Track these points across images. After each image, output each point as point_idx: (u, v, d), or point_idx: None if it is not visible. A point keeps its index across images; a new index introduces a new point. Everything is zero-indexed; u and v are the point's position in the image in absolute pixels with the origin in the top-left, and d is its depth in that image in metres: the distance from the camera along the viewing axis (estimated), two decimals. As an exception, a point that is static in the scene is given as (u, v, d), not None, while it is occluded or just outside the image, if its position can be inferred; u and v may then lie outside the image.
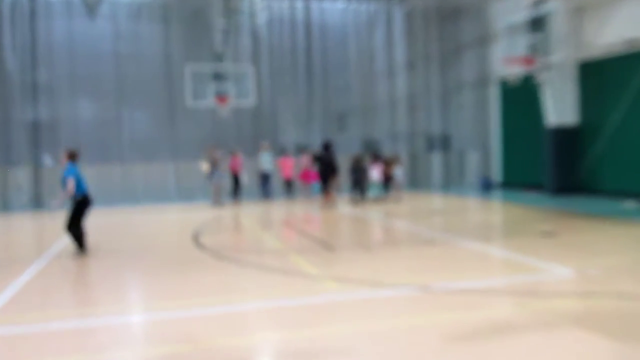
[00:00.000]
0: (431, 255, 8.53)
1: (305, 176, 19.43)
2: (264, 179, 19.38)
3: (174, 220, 14.77)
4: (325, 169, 16.98)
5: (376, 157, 19.22)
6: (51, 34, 20.17)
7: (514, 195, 18.44)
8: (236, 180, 19.33)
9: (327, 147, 17.20)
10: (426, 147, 23.55)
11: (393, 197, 18.52)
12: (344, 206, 16.87)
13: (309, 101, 22.64)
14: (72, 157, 9.40)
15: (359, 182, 18.06)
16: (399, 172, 19.07)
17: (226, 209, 17.08)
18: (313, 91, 22.70)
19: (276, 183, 20.68)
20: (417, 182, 23.30)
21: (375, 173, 18.74)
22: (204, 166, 18.57)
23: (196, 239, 10.93)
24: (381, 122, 23.46)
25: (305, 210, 16.36)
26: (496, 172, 22.03)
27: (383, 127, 23.44)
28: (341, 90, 23.00)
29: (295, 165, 20.17)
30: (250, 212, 16.38)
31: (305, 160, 19.51)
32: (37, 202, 19.70)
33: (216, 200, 18.10)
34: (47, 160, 19.60)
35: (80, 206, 9.23)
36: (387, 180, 18.81)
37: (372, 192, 18.91)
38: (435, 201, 18.29)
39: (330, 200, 16.96)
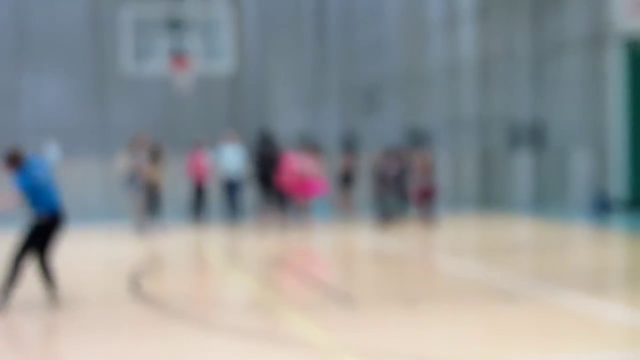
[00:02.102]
0: (511, 317, 8.55)
1: (302, 187, 19.53)
2: (230, 188, 19.48)
3: (100, 254, 14.92)
4: (267, 172, 17.63)
5: (396, 152, 19.64)
6: None
7: (647, 222, 18.46)
8: (199, 190, 19.50)
9: (266, 140, 17.86)
10: (507, 143, 23.47)
11: (427, 219, 18.84)
12: (362, 234, 17.11)
13: (320, 67, 22.75)
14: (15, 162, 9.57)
15: (381, 195, 18.51)
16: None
17: (170, 236, 17.19)
18: (327, 52, 22.81)
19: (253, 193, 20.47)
20: (491, 197, 23.28)
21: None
22: (122, 164, 18.51)
23: (135, 285, 11.05)
24: (435, 102, 23.50)
25: (303, 239, 16.55)
26: (618, 185, 21.83)
27: (438, 109, 23.50)
28: (371, 51, 23.06)
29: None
30: (214, 240, 16.50)
31: (306, 162, 19.52)
32: None
33: (141, 222, 18.10)
34: (52, 150, 19.79)
35: (40, 229, 9.37)
36: (427, 195, 19.07)
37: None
38: (519, 230, 18.26)
39: (270, 220, 17.64)
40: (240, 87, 22.16)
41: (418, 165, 19.30)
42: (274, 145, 18.78)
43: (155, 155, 18.71)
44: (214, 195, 20.28)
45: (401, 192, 19.36)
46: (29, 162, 9.59)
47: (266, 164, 18.35)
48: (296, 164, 19.37)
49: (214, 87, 21.82)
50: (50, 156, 19.78)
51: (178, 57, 19.71)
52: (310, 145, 20.29)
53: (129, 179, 18.28)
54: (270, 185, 18.28)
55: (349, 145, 21.52)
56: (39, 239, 9.40)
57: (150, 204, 18.38)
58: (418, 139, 22.20)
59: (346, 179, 19.90)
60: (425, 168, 19.28)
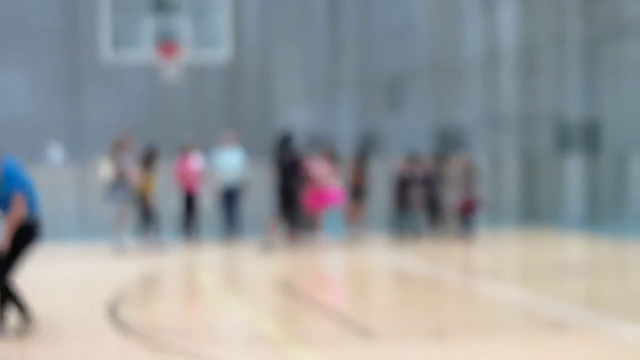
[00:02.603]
0: (560, 351, 8.50)
1: (315, 197, 19.53)
2: (227, 199, 19.47)
3: (76, 276, 14.99)
4: (289, 181, 17.90)
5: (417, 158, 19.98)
6: None
7: None
8: (189, 201, 19.35)
9: (285, 142, 18.11)
10: (555, 145, 23.44)
11: (463, 236, 19.07)
12: (383, 253, 17.58)
13: (334, 55, 23.07)
14: None
15: (402, 207, 18.81)
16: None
17: (158, 255, 17.38)
18: (342, 37, 23.11)
19: (253, 205, 20.53)
20: (537, 209, 23.25)
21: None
22: (105, 170, 18.50)
23: (116, 313, 11.05)
24: (470, 97, 23.70)
25: (313, 258, 16.83)
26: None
27: (473, 105, 23.71)
28: (395, 36, 23.29)
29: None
30: (209, 259, 16.85)
31: (320, 169, 19.63)
32: None
33: (119, 238, 18.09)
34: (55, 153, 20.25)
35: (23, 240, 9.56)
36: (468, 208, 19.05)
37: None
38: (569, 248, 18.51)
39: (276, 236, 17.98)
40: (238, 78, 22.61)
41: (457, 173, 19.33)
42: (294, 150, 18.83)
43: (148, 159, 18.75)
44: (209, 206, 20.27)
45: (430, 204, 19.40)
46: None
47: (287, 172, 18.37)
48: (309, 171, 19.78)
49: (208, 78, 22.30)
50: (52, 160, 19.75)
51: (166, 43, 19.70)
52: (325, 149, 20.37)
53: (112, 188, 18.27)
54: (291, 198, 18.36)
55: (363, 150, 21.65)
56: (17, 244, 9.49)
57: (145, 217, 18.39)
58: (449, 140, 22.06)
59: (357, 190, 19.88)
60: (467, 176, 19.24)
